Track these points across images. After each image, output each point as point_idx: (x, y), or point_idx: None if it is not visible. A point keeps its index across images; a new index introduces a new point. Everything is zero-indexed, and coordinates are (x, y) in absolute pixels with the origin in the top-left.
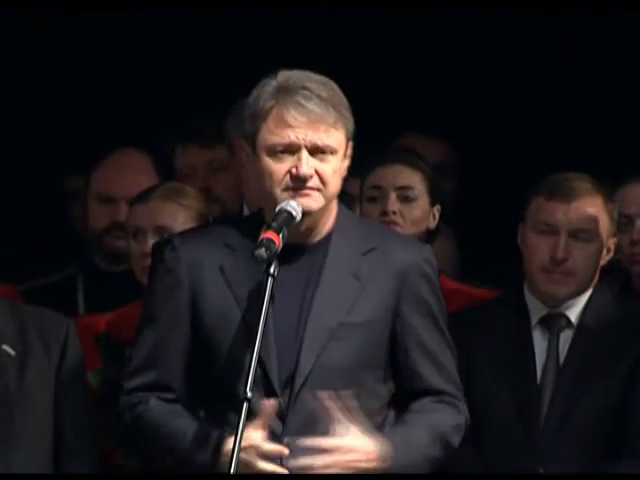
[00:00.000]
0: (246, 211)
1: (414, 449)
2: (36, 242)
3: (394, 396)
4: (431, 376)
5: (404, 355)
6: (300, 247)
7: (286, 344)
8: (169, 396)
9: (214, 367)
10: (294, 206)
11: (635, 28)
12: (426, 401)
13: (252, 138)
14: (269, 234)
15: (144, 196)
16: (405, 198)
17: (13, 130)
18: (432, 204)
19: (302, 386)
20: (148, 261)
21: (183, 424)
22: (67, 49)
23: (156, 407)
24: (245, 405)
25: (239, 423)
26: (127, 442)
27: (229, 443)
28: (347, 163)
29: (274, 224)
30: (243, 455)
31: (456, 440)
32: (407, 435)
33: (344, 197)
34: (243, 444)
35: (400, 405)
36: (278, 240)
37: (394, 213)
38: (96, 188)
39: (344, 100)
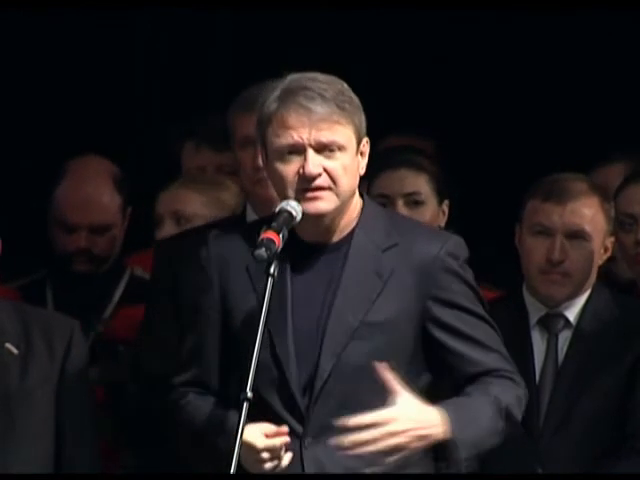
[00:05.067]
0: (249, 213)
1: (479, 419)
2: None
3: (438, 390)
4: (480, 358)
5: (441, 349)
6: (322, 246)
7: (307, 346)
8: (206, 392)
9: (239, 368)
10: (294, 206)
11: (631, 29)
12: (482, 379)
13: (263, 144)
14: (269, 234)
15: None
16: (414, 203)
17: (13, 130)
18: (440, 202)
19: (322, 388)
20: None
21: (219, 413)
22: (67, 49)
23: (194, 401)
24: (245, 405)
25: (239, 423)
26: (171, 436)
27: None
28: (362, 160)
29: (274, 224)
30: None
31: (518, 412)
32: (470, 405)
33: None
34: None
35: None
36: (278, 240)
37: None
38: (56, 214)
39: (352, 97)
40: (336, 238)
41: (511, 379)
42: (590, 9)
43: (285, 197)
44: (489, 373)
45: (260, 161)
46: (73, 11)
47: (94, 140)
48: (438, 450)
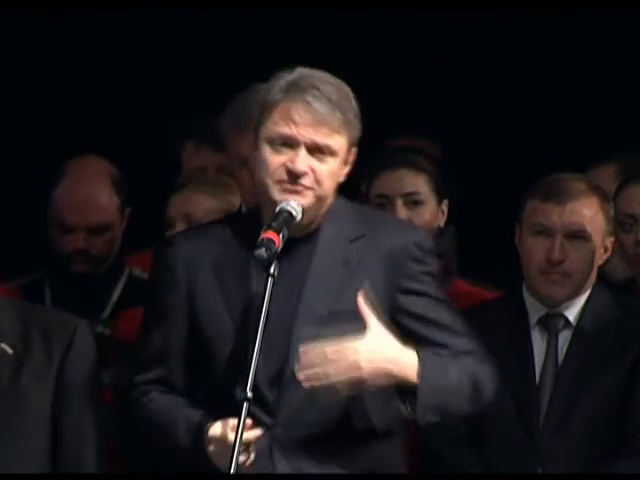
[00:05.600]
0: (244, 210)
1: (449, 374)
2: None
3: None
4: (450, 342)
5: (411, 337)
6: (291, 240)
7: (276, 338)
8: (170, 392)
9: (206, 366)
10: (294, 206)
11: (631, 29)
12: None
13: (257, 128)
14: (269, 234)
15: (178, 187)
16: (413, 203)
17: (13, 130)
18: (439, 202)
19: (291, 379)
20: None
21: (185, 412)
22: (67, 49)
23: (158, 398)
24: (245, 405)
25: (239, 423)
26: (132, 435)
27: (212, 428)
28: (347, 169)
29: (274, 224)
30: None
31: (487, 389)
32: (443, 361)
33: (358, 197)
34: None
35: None
36: (278, 240)
37: None
38: (54, 214)
39: (354, 106)
40: (304, 232)
41: (481, 359)
42: (590, 10)
43: (263, 184)
44: (460, 355)
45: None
46: (73, 11)
47: (94, 140)
48: (403, 392)
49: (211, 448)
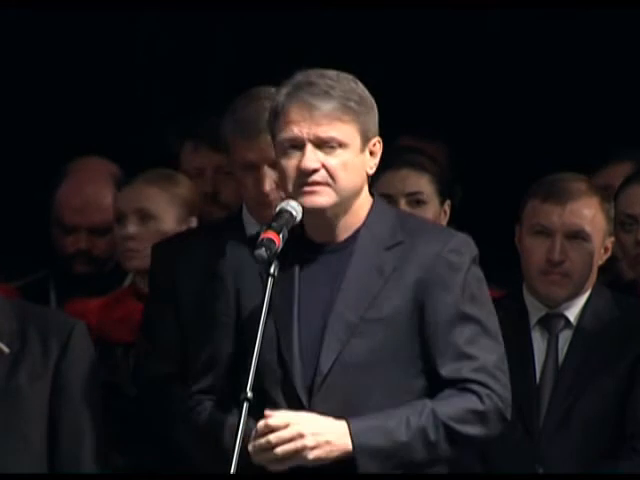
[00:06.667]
0: (245, 213)
1: (391, 428)
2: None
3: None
4: (451, 364)
5: (427, 346)
6: (327, 245)
7: (310, 345)
8: (219, 400)
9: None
10: (294, 206)
11: (630, 28)
12: (446, 392)
13: (273, 140)
14: (269, 234)
15: (128, 181)
16: (416, 203)
17: (13, 130)
18: (442, 202)
19: (322, 385)
20: (128, 245)
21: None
22: (68, 49)
23: (210, 408)
24: (245, 405)
25: (239, 423)
26: (196, 444)
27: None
28: (371, 160)
29: (274, 224)
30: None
31: (465, 428)
32: (386, 415)
33: None
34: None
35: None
36: (278, 240)
37: None
38: (56, 215)
39: (363, 95)
40: (343, 237)
41: (476, 393)
42: (593, 10)
43: (286, 191)
44: (457, 382)
45: (267, 185)
46: (74, 11)
47: (94, 140)
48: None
49: (251, 448)
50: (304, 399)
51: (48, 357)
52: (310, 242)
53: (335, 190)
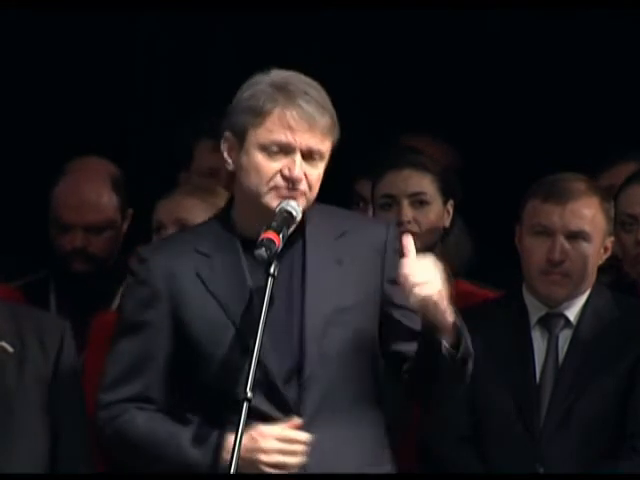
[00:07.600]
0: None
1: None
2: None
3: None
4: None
5: (397, 328)
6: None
7: (282, 340)
8: (150, 407)
9: (207, 372)
10: (294, 206)
11: (631, 28)
12: None
13: (242, 132)
14: (269, 234)
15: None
16: (419, 203)
17: (13, 130)
18: (445, 202)
19: (311, 375)
20: None
21: (173, 429)
22: (68, 49)
23: (138, 416)
24: (245, 405)
25: (239, 423)
26: (113, 455)
27: (230, 441)
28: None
29: (274, 224)
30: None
31: None
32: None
33: (354, 198)
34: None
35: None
36: (278, 240)
37: (409, 222)
38: (53, 213)
39: (332, 108)
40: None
41: None
42: (593, 9)
43: (255, 190)
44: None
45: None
46: (74, 12)
47: (94, 140)
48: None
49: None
50: (285, 391)
51: (47, 357)
52: (244, 238)
53: (307, 199)
